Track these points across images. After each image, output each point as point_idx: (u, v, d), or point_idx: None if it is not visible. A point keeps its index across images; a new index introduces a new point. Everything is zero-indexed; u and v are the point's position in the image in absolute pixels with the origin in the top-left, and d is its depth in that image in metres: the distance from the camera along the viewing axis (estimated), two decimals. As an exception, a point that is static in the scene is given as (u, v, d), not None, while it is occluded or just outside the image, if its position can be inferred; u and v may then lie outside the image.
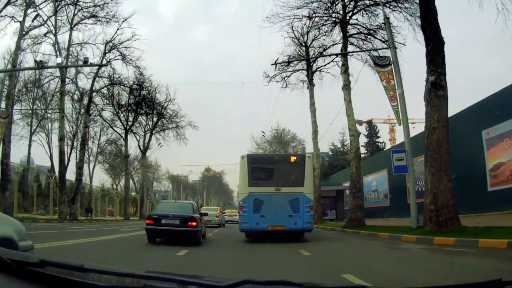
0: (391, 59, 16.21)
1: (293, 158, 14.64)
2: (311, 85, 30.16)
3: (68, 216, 30.08)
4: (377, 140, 57.90)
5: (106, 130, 51.32)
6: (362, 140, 58.95)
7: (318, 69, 30.26)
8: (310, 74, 30.28)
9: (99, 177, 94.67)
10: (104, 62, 34.02)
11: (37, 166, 57.66)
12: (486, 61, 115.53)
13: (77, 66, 28.02)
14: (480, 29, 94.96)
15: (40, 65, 20.57)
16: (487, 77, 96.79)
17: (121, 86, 38.19)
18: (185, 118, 47.00)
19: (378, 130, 58.84)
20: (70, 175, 52.41)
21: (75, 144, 53.36)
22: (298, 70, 31.04)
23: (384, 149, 53.88)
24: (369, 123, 57.56)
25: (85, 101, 34.70)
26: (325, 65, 29.85)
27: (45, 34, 29.37)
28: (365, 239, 14.60)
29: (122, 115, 43.38)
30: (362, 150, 59.25)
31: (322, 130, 30.38)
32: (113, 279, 1.72)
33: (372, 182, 34.74)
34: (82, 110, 35.39)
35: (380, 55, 17.15)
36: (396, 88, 15.76)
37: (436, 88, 12.84)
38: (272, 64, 23.32)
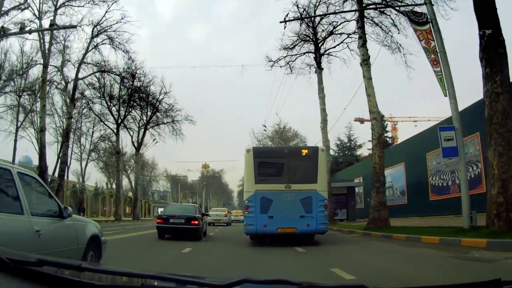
0: (429, 17, 12.98)
1: (304, 152, 13.20)
2: (319, 68, 26.89)
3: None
4: (385, 134, 54.59)
5: (99, 125, 48.15)
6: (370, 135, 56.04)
7: (326, 52, 27.03)
8: (318, 56, 26.99)
9: (96, 176, 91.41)
10: (92, 47, 31.00)
11: (35, 165, 54.58)
12: None
13: (43, 30, 24.50)
14: None
15: (2, 32, 17.24)
16: None
17: (111, 75, 34.79)
18: (181, 112, 43.81)
19: (386, 125, 55.54)
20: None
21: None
22: (304, 53, 27.77)
23: (393, 144, 50.59)
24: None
25: (71, 91, 31.25)
26: (334, 47, 26.70)
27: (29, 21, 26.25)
28: (405, 245, 11.12)
29: (113, 108, 40.13)
30: (369, 145, 56.45)
31: (330, 121, 26.85)
32: (111, 278, 1.75)
33: (386, 177, 31.45)
34: (68, 100, 31.80)
35: (415, 11, 13.87)
36: (437, 50, 12.49)
37: (495, 44, 10.20)
38: (281, 22, 19.81)
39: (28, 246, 3.83)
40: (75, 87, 30.94)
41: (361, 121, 74.42)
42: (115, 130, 40.91)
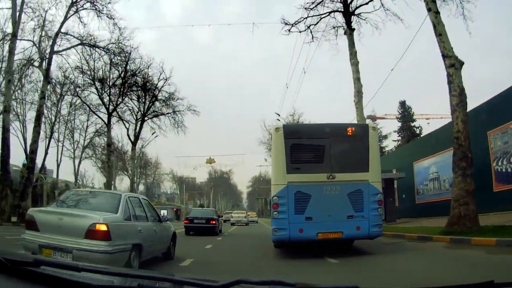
0: None
1: (351, 130, 10.36)
2: (350, 29, 20.99)
3: (14, 218, 21.09)
4: (412, 124, 48.30)
5: (92, 117, 42.64)
6: (395, 124, 49.59)
7: (356, 11, 21.22)
8: (347, 15, 21.18)
9: (98, 177, 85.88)
10: (71, 13, 25.35)
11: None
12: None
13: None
14: None
15: None
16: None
17: (96, 50, 29.04)
18: (183, 101, 38.17)
19: (413, 113, 49.14)
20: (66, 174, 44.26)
21: (56, 130, 45.00)
22: (329, 13, 21.91)
23: (421, 135, 44.38)
24: (403, 104, 47.93)
25: (46, 66, 25.58)
26: (367, 3, 20.91)
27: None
28: None
29: (105, 95, 34.47)
30: (394, 136, 49.94)
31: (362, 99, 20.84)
32: (108, 279, 1.71)
33: (429, 168, 25.35)
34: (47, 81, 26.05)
35: None
36: None
37: None
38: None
39: (152, 238, 7.77)
40: (49, 62, 25.25)
41: (374, 118, 73.16)
42: (106, 120, 35.26)
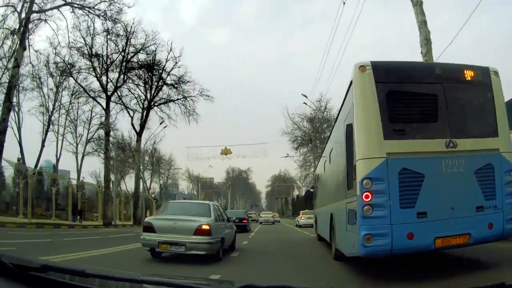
0: None
1: (469, 73, 6.40)
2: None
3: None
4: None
5: (99, 110, 37.66)
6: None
7: None
8: None
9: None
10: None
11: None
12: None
13: None
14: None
15: None
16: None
17: (87, 13, 23.88)
18: (194, 86, 33.00)
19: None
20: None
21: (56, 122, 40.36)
22: None
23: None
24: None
25: (22, 29, 20.55)
26: None
27: None
28: None
29: (103, 74, 29.43)
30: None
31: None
32: (114, 284, 1.77)
33: None
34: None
35: None
36: None
37: None
38: None
39: (227, 233, 9.83)
40: (26, 24, 20.21)
41: None
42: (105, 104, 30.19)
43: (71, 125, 41.86)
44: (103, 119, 38.05)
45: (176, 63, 32.41)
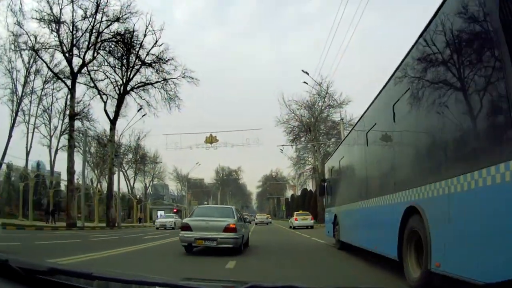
0: None
1: None
2: None
3: None
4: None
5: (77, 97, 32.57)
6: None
7: None
8: None
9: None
10: None
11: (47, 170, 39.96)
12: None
13: None
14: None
15: None
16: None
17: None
18: (175, 65, 28.42)
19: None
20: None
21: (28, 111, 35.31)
22: None
23: None
24: None
25: None
26: None
27: None
28: None
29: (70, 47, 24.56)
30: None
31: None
32: (122, 286, 1.72)
33: None
34: None
35: None
36: None
37: None
38: None
39: (245, 232, 11.42)
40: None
41: None
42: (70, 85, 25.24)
43: (44, 115, 36.72)
44: (80, 107, 33.08)
45: (156, 41, 27.76)
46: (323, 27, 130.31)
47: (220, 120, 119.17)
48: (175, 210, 50.91)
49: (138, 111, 31.32)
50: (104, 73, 29.31)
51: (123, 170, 59.96)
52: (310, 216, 30.45)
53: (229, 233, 9.68)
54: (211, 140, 30.35)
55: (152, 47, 28.38)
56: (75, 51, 25.24)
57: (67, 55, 24.75)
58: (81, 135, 30.29)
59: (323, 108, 35.79)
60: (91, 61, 25.66)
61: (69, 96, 33.46)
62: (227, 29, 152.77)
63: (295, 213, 32.66)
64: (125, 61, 29.02)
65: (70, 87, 24.79)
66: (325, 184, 14.18)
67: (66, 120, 38.73)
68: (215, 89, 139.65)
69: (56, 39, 24.76)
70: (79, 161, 35.51)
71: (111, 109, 30.17)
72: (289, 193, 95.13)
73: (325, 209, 14.65)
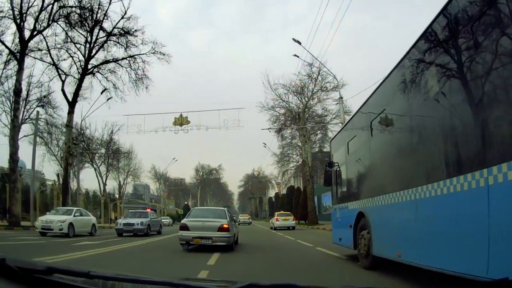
0: None
1: None
2: None
3: None
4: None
5: (41, 77, 27.84)
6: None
7: None
8: None
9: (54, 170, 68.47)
10: None
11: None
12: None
13: None
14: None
15: None
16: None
17: None
18: (142, 37, 24.40)
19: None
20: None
21: None
22: None
23: None
24: None
25: None
26: None
27: None
28: None
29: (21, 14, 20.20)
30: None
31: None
32: (119, 285, 1.76)
33: None
34: None
35: None
36: None
37: None
38: None
39: (236, 231, 12.60)
40: None
41: None
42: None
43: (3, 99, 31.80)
44: (45, 91, 28.25)
45: (125, 12, 23.61)
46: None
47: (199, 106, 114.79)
48: (148, 210, 46.51)
49: (101, 93, 27.12)
50: (67, 51, 25.04)
51: (96, 166, 55.26)
52: (292, 216, 29.38)
53: (223, 232, 10.57)
54: (181, 121, 25.57)
55: (120, 19, 24.26)
56: (31, 20, 21.01)
57: (18, 21, 20.45)
58: (42, 123, 25.92)
59: (314, 92, 31.66)
60: (45, 28, 21.38)
61: (34, 80, 28.99)
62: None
63: (276, 213, 31.78)
64: (89, 36, 24.74)
65: (19, 57, 20.35)
66: (335, 169, 10.02)
67: (30, 106, 34.16)
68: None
69: (8, 5, 20.47)
70: (41, 153, 31.01)
71: (72, 92, 25.77)
72: (272, 192, 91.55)
73: (333, 206, 10.53)
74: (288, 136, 65.49)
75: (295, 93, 32.19)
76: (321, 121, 33.24)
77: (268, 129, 31.21)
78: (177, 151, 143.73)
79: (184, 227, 10.87)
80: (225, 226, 10.70)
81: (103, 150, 55.06)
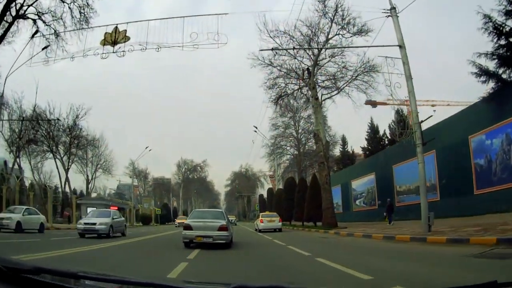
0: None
1: None
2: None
3: None
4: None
5: None
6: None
7: None
8: None
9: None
10: None
11: None
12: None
13: None
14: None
15: None
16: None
17: None
18: None
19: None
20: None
21: None
22: None
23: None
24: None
25: None
26: None
27: None
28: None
29: None
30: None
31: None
32: (106, 285, 1.68)
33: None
34: None
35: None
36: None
37: None
38: None
39: (232, 231, 12.61)
40: None
41: (374, 104, 54.71)
42: None
43: None
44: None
45: None
46: None
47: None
48: (114, 208, 37.31)
49: (32, 36, 18.52)
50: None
51: (59, 157, 46.08)
52: (278, 217, 26.03)
53: (222, 232, 11.53)
54: (115, 38, 15.01)
55: None
56: None
57: None
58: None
59: (329, 35, 22.78)
60: None
61: None
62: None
63: (260, 214, 29.56)
64: None
65: None
66: None
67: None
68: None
69: None
70: None
71: None
72: (261, 190, 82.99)
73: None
74: (281, 125, 57.42)
75: (303, 41, 23.10)
76: (338, 77, 24.04)
77: (266, 49, 21.24)
78: (160, 149, 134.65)
79: (188, 227, 11.72)
80: (224, 226, 11.63)
81: (65, 138, 46.07)
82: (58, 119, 39.33)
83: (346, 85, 24.36)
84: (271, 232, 23.03)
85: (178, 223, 38.74)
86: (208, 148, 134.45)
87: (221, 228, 11.48)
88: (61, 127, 45.01)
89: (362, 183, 31.40)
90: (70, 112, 44.30)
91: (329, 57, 23.61)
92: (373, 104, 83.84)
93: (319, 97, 23.60)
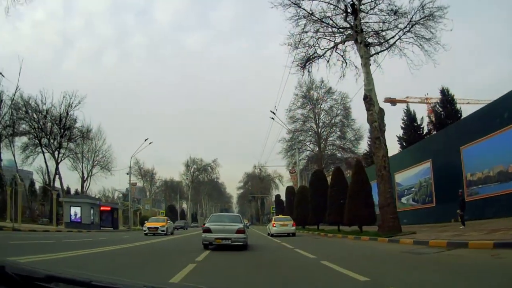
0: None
1: None
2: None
3: None
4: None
5: None
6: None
7: None
8: None
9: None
10: None
11: None
12: None
13: None
14: None
15: None
16: None
17: None
18: None
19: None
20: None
21: None
22: None
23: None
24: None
25: None
26: None
27: None
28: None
29: None
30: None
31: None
32: None
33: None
34: None
35: None
36: None
37: None
38: None
39: (247, 234, 13.18)
40: None
41: (393, 102, 57.53)
42: None
43: None
44: None
45: None
46: None
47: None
48: (108, 208, 31.13)
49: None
50: None
51: (50, 151, 40.33)
52: (292, 221, 24.46)
53: (240, 234, 12.28)
54: None
55: None
56: None
57: None
58: None
59: None
60: None
61: None
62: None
63: (273, 217, 27.85)
64: None
65: None
66: None
67: None
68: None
69: None
70: None
71: None
72: (276, 192, 76.31)
73: None
74: (300, 117, 50.83)
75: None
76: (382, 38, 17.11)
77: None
78: (168, 150, 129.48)
79: (208, 230, 12.58)
80: (241, 229, 12.45)
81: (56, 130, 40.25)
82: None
83: (399, 38, 17.66)
84: (284, 237, 21.27)
85: (148, 228, 25.98)
86: (219, 149, 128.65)
87: (238, 231, 12.34)
88: (52, 117, 39.33)
89: (412, 175, 24.57)
90: (62, 101, 38.65)
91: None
92: (393, 102, 76.08)
93: (368, 49, 16.80)
